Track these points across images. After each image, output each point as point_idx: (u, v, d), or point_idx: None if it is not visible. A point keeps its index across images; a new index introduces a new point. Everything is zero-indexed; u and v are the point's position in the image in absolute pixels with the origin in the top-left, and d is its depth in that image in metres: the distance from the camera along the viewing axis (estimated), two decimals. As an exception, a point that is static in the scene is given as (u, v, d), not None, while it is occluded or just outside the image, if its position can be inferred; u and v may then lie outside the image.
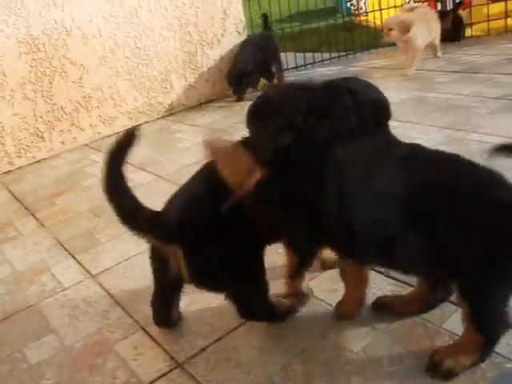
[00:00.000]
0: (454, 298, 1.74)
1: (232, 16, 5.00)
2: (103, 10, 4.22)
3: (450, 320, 1.65)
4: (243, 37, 5.15)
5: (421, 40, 4.84)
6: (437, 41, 5.29)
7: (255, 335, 1.76)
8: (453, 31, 6.17)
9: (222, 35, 4.96)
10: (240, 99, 4.82)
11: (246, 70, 4.66)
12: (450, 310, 1.69)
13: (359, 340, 1.62)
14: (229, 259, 1.57)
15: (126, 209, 1.54)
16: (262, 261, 1.69)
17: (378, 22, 7.41)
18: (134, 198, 1.54)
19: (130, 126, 4.46)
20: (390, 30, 4.79)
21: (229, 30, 5.00)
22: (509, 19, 6.41)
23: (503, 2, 6.27)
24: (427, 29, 4.95)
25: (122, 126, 4.48)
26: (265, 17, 5.23)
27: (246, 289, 1.66)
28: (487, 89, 4.08)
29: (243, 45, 4.93)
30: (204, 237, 1.54)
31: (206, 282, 1.65)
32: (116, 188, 1.53)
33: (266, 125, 1.53)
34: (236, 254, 1.58)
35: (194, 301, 1.99)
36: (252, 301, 1.69)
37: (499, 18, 6.39)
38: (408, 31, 4.67)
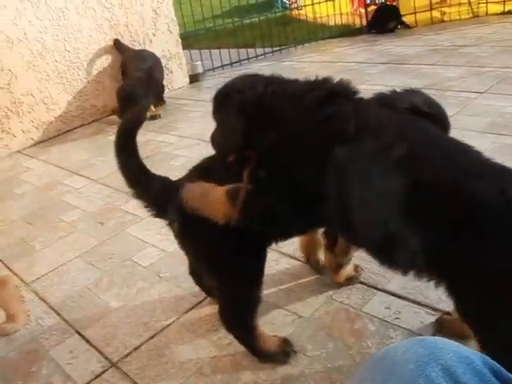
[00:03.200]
0: (372, 281, 1.86)
1: (163, 15, 4.99)
2: (27, 13, 4.12)
3: (370, 303, 1.76)
4: (176, 36, 5.16)
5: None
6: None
7: (186, 331, 1.81)
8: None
9: (154, 35, 4.94)
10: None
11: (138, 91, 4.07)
12: (369, 294, 1.80)
13: (284, 329, 1.70)
14: (219, 248, 1.49)
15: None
16: (260, 267, 1.56)
17: (312, 16, 7.59)
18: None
19: (63, 131, 4.42)
20: None
21: (160, 29, 4.99)
22: (434, 11, 6.69)
23: (428, -5, 6.57)
24: None
25: (55, 130, 4.42)
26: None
27: (231, 292, 1.56)
28: (412, 79, 4.25)
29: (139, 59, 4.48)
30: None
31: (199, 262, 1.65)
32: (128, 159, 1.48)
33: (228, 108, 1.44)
34: (231, 245, 1.47)
35: (128, 301, 2.03)
36: (232, 312, 1.59)
37: (425, 10, 6.67)
38: None
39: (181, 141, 3.71)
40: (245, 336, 1.60)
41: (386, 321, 1.66)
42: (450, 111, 3.52)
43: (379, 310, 1.71)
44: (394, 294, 1.77)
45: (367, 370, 0.79)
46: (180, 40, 5.26)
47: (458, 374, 0.69)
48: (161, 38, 5.01)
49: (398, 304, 1.72)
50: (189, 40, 6.43)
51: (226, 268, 1.52)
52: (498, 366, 0.74)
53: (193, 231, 1.50)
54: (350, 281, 1.86)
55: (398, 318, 1.67)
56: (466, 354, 0.73)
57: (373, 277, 1.87)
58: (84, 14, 4.44)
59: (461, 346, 0.76)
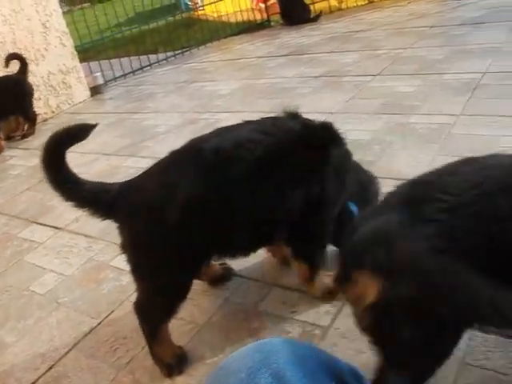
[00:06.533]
0: (267, 278, 1.85)
1: (53, 29, 4.81)
2: None
3: (266, 300, 1.75)
4: (70, 49, 4.99)
5: None
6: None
7: (85, 357, 1.73)
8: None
9: (46, 49, 4.75)
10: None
11: None
12: (265, 291, 1.79)
13: (182, 339, 1.66)
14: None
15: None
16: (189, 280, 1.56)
17: (214, 15, 7.58)
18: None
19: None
20: None
21: (52, 43, 4.81)
22: (331, 0, 6.84)
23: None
24: None
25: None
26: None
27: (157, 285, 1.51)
28: (310, 69, 4.32)
29: None
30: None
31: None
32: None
33: None
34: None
35: (24, 334, 1.93)
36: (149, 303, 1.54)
37: (323, 0, 6.82)
38: None
39: (81, 157, 3.56)
40: (148, 333, 1.56)
41: (282, 316, 1.66)
42: (346, 96, 3.60)
43: (275, 306, 1.71)
44: (288, 288, 1.77)
45: (208, 382, 0.77)
46: (76, 53, 5.09)
47: (288, 376, 0.68)
48: (54, 52, 4.83)
49: (294, 297, 1.72)
50: (88, 52, 6.27)
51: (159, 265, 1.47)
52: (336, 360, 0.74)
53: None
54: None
55: (294, 312, 1.66)
56: (303, 353, 0.72)
57: (267, 274, 1.86)
58: (-34, 35, 4.21)
59: (300, 344, 0.75)
